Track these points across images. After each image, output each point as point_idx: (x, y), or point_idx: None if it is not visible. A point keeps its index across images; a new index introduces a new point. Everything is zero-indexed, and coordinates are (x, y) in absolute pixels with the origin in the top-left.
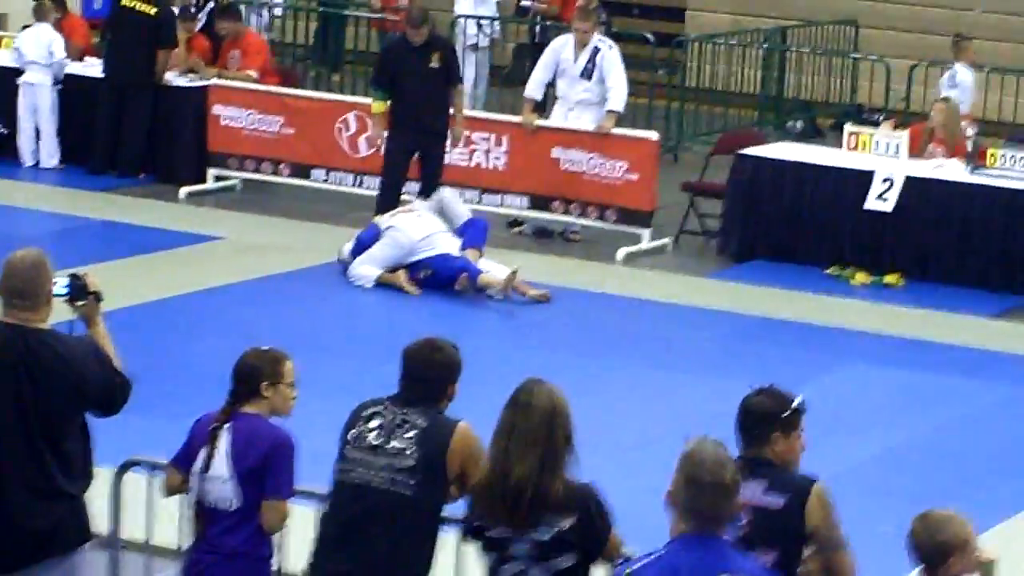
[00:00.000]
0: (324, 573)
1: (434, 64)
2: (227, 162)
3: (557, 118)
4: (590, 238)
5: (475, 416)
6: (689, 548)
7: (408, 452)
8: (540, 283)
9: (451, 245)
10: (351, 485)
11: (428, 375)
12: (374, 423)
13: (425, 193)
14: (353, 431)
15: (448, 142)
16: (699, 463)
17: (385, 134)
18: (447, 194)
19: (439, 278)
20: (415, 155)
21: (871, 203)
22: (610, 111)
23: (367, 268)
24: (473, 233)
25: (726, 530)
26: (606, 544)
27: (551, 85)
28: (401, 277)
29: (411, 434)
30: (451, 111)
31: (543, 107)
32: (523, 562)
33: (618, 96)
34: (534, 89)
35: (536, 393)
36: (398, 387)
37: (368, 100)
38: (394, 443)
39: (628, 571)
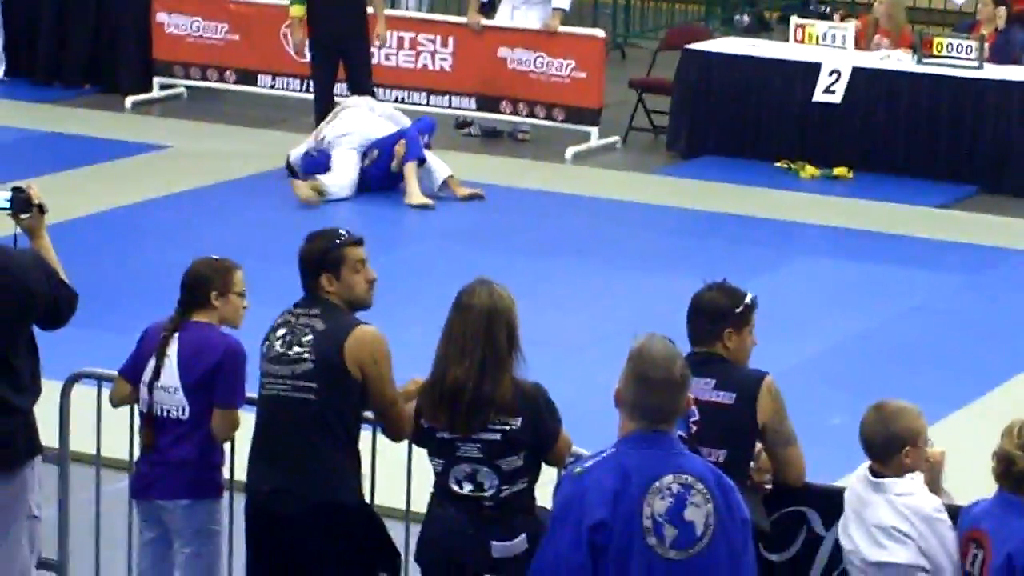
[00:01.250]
0: (256, 490)
1: None
2: (172, 70)
3: (503, 17)
4: (538, 137)
5: (420, 319)
6: (639, 446)
7: (306, 356)
8: (489, 184)
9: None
10: (266, 398)
11: (305, 268)
12: (280, 332)
13: (359, 91)
14: (266, 343)
15: (373, 43)
16: (648, 360)
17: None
18: (372, 103)
19: (385, 157)
20: (338, 60)
21: (819, 96)
22: (556, 9)
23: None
24: (413, 146)
25: (675, 426)
26: (555, 443)
27: None
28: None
29: (308, 338)
30: (369, 10)
31: (493, 7)
32: (472, 464)
33: None
34: None
35: (477, 293)
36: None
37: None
38: (295, 349)
39: (578, 470)
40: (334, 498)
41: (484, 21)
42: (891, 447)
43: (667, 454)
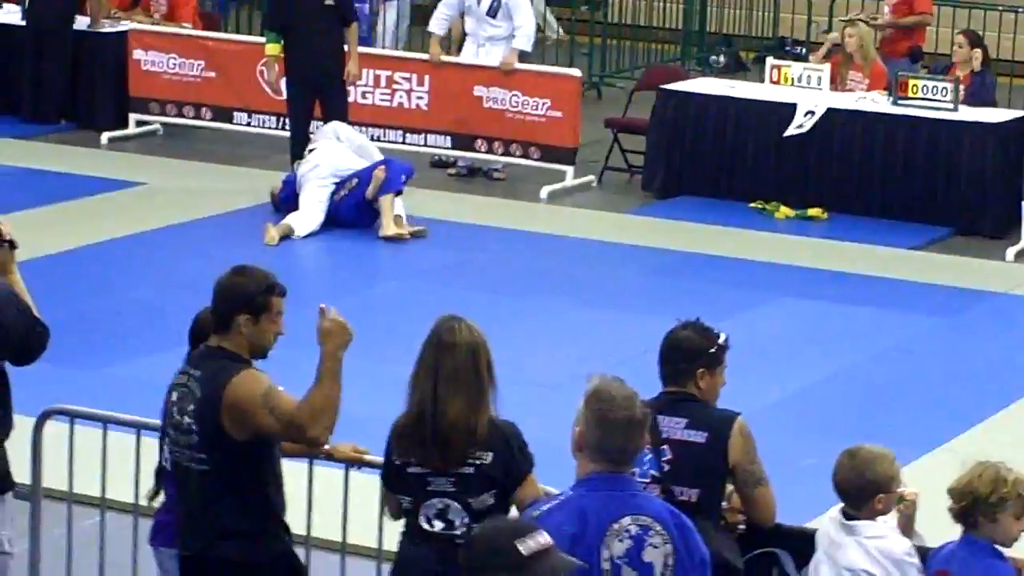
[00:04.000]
0: (185, 562)
1: (329, 1)
2: (148, 107)
3: (468, 55)
4: (513, 176)
5: (394, 358)
6: (598, 488)
7: (193, 428)
8: (463, 222)
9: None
10: (176, 464)
11: (215, 298)
12: (175, 396)
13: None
14: (166, 402)
15: (346, 82)
16: (609, 400)
17: (283, 80)
18: (341, 128)
19: (363, 184)
20: (315, 99)
21: (790, 131)
22: (515, 49)
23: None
24: (393, 177)
25: (632, 467)
26: (524, 481)
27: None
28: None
29: (191, 407)
30: (346, 49)
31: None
32: (443, 498)
33: (525, 34)
34: (437, 25)
35: (458, 330)
36: None
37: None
38: (186, 420)
39: (535, 514)
40: (255, 558)
41: (449, 58)
42: (864, 494)
43: (625, 495)
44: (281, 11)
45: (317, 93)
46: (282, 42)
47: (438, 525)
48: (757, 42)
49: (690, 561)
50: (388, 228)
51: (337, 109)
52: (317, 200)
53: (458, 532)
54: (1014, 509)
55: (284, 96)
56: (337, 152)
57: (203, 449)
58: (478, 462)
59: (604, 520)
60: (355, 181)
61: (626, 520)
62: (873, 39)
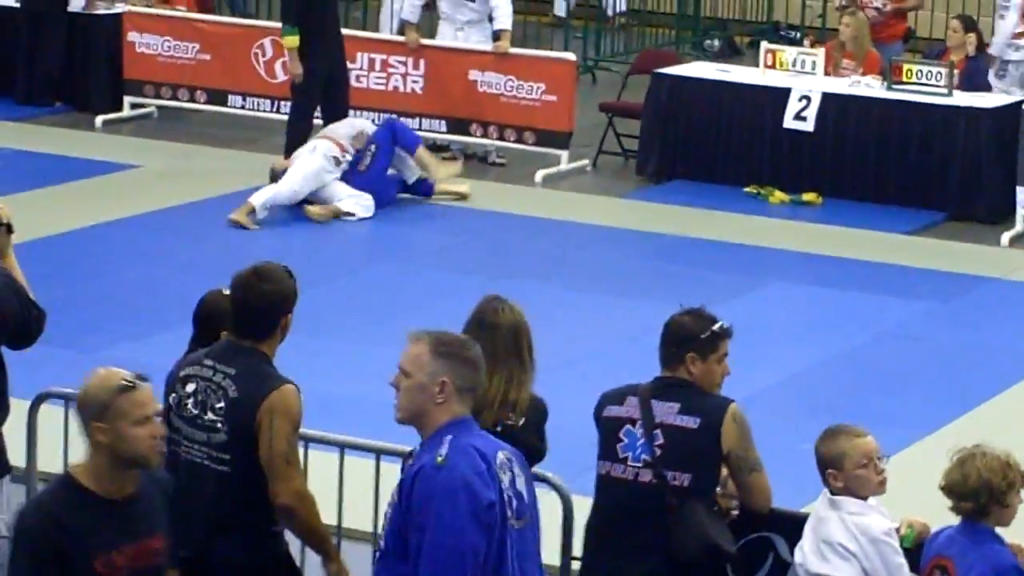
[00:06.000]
0: (180, 560)
1: None
2: (143, 89)
3: (445, 37)
4: (508, 160)
5: (391, 339)
6: (471, 429)
7: (220, 427)
8: (458, 206)
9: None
10: (186, 462)
11: (257, 308)
12: (190, 387)
13: (335, 119)
14: (173, 395)
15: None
16: (463, 343)
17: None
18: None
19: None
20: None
21: (790, 122)
22: (501, 30)
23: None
24: (407, 135)
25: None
26: (540, 455)
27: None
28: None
29: (221, 405)
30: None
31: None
32: None
33: (504, 15)
34: (410, 13)
35: (501, 311)
36: (232, 325)
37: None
38: (208, 416)
39: (439, 460)
40: (259, 559)
41: (439, 42)
42: (820, 466)
43: (484, 433)
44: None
45: (328, 76)
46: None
47: None
48: (752, 26)
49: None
50: (439, 171)
51: (344, 101)
52: (302, 169)
53: None
54: (1019, 488)
55: (279, 78)
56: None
57: (228, 449)
58: (508, 423)
59: (491, 455)
60: (373, 147)
61: (501, 455)
62: (867, 28)
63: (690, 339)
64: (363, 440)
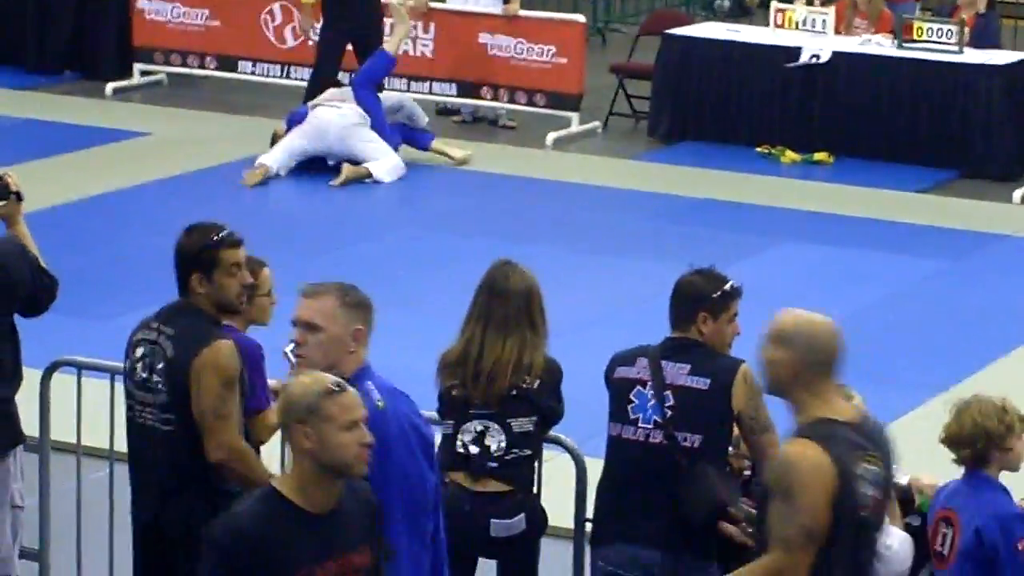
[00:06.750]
0: (139, 524)
1: None
2: (153, 56)
3: (455, 1)
4: (519, 123)
5: (403, 302)
6: (374, 372)
7: (161, 388)
8: (469, 169)
9: (370, 148)
10: (138, 425)
11: (177, 264)
12: (139, 352)
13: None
14: (127, 360)
15: (391, 27)
16: (358, 294)
17: (318, 25)
18: (408, 101)
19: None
20: (347, 44)
21: (804, 58)
22: None
23: (271, 156)
24: (420, 136)
25: None
26: (557, 416)
27: None
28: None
29: (161, 365)
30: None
31: None
32: (483, 420)
33: None
34: None
35: (512, 277)
36: None
37: None
38: (154, 377)
39: (380, 404)
40: (213, 517)
41: (450, 5)
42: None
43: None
44: None
45: (354, 39)
46: None
47: (474, 450)
48: None
49: None
50: (454, 154)
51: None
52: (294, 147)
53: (493, 455)
54: (1020, 431)
55: (288, 44)
56: (340, 120)
57: (170, 409)
58: (524, 385)
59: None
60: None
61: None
62: None
63: (701, 298)
64: None
